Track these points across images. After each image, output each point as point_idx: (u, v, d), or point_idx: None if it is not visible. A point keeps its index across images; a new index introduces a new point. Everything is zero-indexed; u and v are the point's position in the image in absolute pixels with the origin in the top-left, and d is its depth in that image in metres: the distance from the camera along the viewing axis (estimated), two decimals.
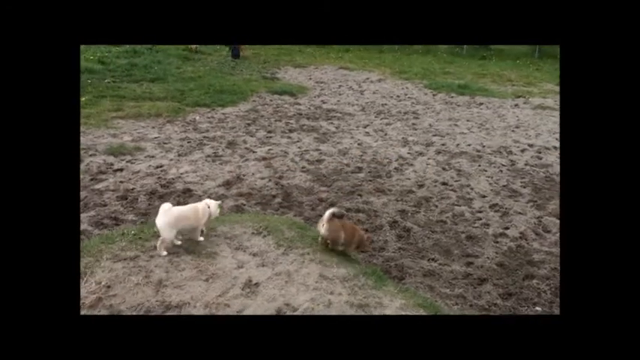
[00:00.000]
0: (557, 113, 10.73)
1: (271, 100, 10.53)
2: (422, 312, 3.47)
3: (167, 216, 3.72)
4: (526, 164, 7.19)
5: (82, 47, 14.36)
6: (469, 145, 8.03)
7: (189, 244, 3.92)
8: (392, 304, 3.52)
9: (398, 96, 12.09)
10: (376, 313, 3.39)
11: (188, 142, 7.21)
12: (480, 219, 5.32)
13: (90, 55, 13.02)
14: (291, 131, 8.28)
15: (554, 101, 12.07)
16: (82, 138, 6.82)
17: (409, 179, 6.36)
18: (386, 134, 8.42)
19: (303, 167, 6.54)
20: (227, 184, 5.80)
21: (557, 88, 13.95)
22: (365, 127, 8.84)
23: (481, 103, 11.60)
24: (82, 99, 8.81)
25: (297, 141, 7.73)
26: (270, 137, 7.83)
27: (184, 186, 5.63)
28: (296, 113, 9.61)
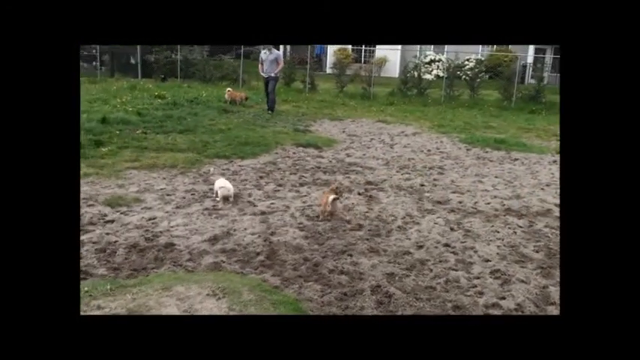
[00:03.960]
0: None
1: (294, 153, 10.46)
2: None
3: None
4: (546, 226, 6.61)
5: (127, 98, 15.02)
6: (488, 203, 7.53)
7: (134, 305, 3.73)
8: None
9: (429, 150, 11.73)
10: None
11: (192, 195, 7.17)
12: (475, 286, 4.83)
13: (130, 106, 13.53)
14: (301, 185, 8.10)
15: None
16: (87, 188, 6.93)
17: (409, 239, 5.96)
18: (400, 190, 8.06)
19: (300, 223, 6.29)
20: (213, 239, 5.63)
21: None
22: (381, 182, 8.52)
23: (516, 159, 11.03)
24: (104, 150, 9.07)
25: (305, 195, 7.53)
26: (278, 191, 7.67)
27: (168, 240, 5.51)
28: (314, 166, 9.45)
